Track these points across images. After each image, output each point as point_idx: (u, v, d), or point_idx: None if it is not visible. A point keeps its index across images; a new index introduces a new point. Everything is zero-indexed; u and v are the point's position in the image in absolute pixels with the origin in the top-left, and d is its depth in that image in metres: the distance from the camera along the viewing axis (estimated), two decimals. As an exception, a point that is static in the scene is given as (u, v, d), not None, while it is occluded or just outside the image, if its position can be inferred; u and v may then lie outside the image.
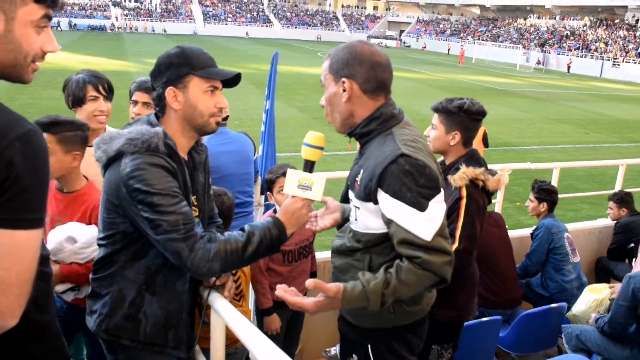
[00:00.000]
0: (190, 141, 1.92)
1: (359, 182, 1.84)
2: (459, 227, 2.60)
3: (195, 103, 1.82)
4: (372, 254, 1.88)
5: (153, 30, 65.47)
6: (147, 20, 67.40)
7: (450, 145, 2.74)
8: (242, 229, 1.80)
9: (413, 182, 1.71)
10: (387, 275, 1.70)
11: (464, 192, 2.64)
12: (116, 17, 65.95)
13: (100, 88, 2.78)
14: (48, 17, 1.24)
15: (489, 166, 2.85)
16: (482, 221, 2.77)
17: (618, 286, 3.34)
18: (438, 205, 1.74)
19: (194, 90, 1.81)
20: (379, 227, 1.83)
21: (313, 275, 3.31)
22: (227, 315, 1.80)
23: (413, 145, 1.78)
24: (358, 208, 1.88)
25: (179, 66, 1.80)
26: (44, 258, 1.44)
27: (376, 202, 1.78)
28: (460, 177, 2.64)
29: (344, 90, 1.84)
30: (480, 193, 2.69)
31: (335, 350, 3.51)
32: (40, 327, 1.44)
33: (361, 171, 1.84)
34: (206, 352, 2.17)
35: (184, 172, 1.84)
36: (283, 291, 1.69)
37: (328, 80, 1.90)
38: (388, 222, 1.75)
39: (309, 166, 1.87)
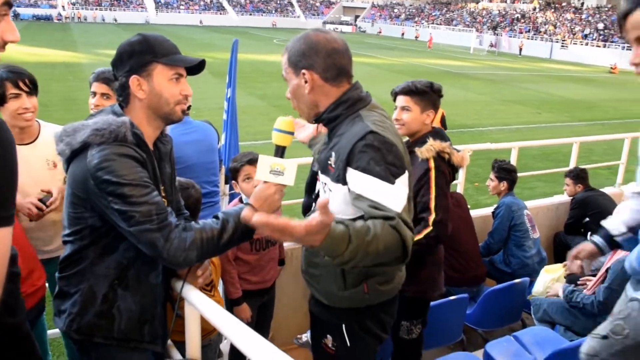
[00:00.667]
0: (156, 131, 1.87)
1: (333, 165, 1.84)
2: (432, 199, 2.66)
3: (160, 91, 1.77)
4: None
5: (103, 20, 63.49)
6: (96, 9, 65.25)
7: (424, 124, 2.83)
8: (216, 217, 1.77)
9: (381, 157, 1.71)
10: (367, 224, 1.57)
11: (431, 164, 2.71)
12: (63, 6, 63.50)
13: (21, 84, 2.54)
14: (8, 5, 1.19)
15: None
16: (449, 192, 2.85)
17: (570, 264, 3.46)
18: (404, 187, 1.74)
19: (158, 78, 1.77)
20: (350, 213, 1.82)
21: (281, 262, 3.31)
22: (202, 306, 1.78)
23: (381, 125, 1.80)
24: (331, 191, 1.88)
25: (142, 54, 1.75)
26: (12, 257, 1.38)
27: (345, 184, 1.77)
28: (428, 149, 2.72)
29: (306, 82, 1.84)
30: (446, 166, 2.77)
31: (306, 336, 3.53)
32: (11, 330, 1.39)
33: (333, 154, 1.84)
34: (178, 345, 2.15)
35: (153, 162, 1.80)
36: (264, 219, 1.31)
37: (289, 73, 1.89)
38: (356, 197, 1.72)
39: (280, 151, 1.87)
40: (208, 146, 3.38)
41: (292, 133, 1.89)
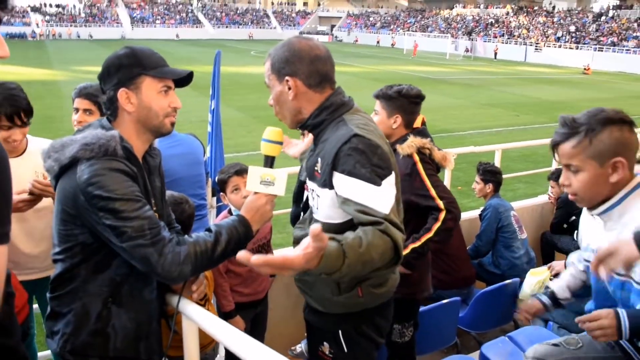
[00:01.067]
0: (145, 144, 1.84)
1: (319, 171, 1.85)
2: (430, 188, 2.71)
3: (149, 104, 1.76)
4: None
5: (78, 36, 62.88)
6: (70, 25, 64.61)
7: (393, 129, 2.87)
8: (209, 230, 1.75)
9: (366, 159, 1.72)
10: (358, 235, 1.59)
11: (416, 157, 2.77)
12: (37, 24, 62.78)
13: (16, 119, 2.41)
14: None
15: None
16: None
17: (555, 264, 3.47)
18: (391, 187, 1.75)
19: (147, 91, 1.75)
20: (339, 217, 1.84)
21: (272, 274, 3.28)
22: (201, 319, 1.75)
23: (365, 128, 1.81)
24: (319, 196, 1.88)
25: (130, 67, 1.74)
26: (7, 277, 1.34)
27: (332, 188, 1.78)
28: (409, 145, 2.79)
29: (289, 89, 1.84)
30: (428, 160, 2.83)
31: (300, 347, 3.50)
32: (8, 353, 1.34)
33: (319, 159, 1.85)
34: (173, 360, 2.12)
35: (143, 175, 1.77)
36: (264, 259, 1.38)
37: (272, 80, 1.89)
38: (343, 202, 1.73)
39: (270, 162, 1.86)
40: (194, 159, 3.35)
41: (280, 143, 1.88)
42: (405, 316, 2.87)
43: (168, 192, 2.21)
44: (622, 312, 1.88)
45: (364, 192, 1.69)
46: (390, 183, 1.75)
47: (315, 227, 1.37)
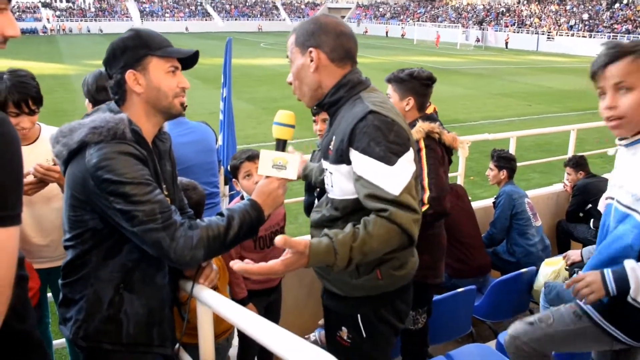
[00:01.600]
0: (155, 127, 1.82)
1: (332, 149, 1.83)
2: (424, 177, 2.69)
3: (158, 84, 1.74)
4: (351, 222, 1.85)
5: (88, 31, 63.18)
6: (81, 20, 64.95)
7: (405, 111, 2.89)
8: (221, 214, 1.73)
9: (382, 136, 1.70)
10: (355, 229, 1.62)
11: (422, 144, 2.77)
12: (47, 19, 63.16)
13: (24, 106, 2.39)
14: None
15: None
16: (446, 170, 2.91)
17: (571, 254, 3.43)
18: (408, 164, 1.73)
19: (155, 72, 1.73)
20: (354, 192, 1.81)
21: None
22: (216, 304, 1.73)
23: (382, 105, 1.79)
24: (332, 173, 1.86)
25: (136, 48, 1.71)
26: (20, 260, 1.32)
27: (349, 163, 1.76)
28: (417, 130, 2.78)
29: (312, 60, 1.84)
30: (437, 144, 2.82)
31: (314, 336, 3.49)
32: (22, 338, 1.32)
33: (333, 137, 1.83)
34: (187, 348, 2.10)
35: (153, 159, 1.75)
36: (243, 267, 1.57)
37: (295, 53, 1.89)
38: (357, 179, 1.72)
39: (282, 145, 1.84)
40: (206, 147, 3.33)
41: (293, 126, 1.86)
42: (418, 302, 2.83)
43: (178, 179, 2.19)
44: (607, 270, 1.94)
45: (375, 171, 1.68)
46: (407, 159, 1.73)
47: (278, 239, 1.48)
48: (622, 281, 1.88)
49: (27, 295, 1.42)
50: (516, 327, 2.32)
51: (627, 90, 1.83)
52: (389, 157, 1.68)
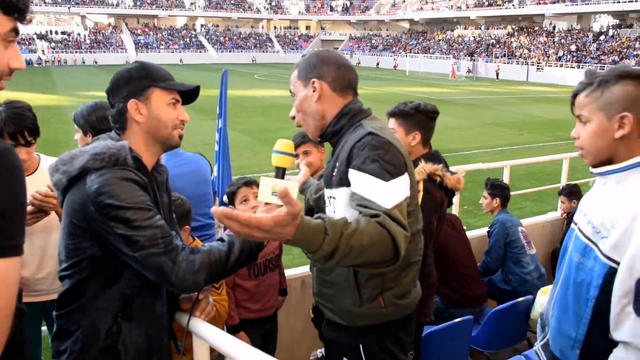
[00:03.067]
0: (154, 157, 1.84)
1: (335, 175, 1.86)
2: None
3: (159, 115, 1.78)
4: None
5: (83, 62, 63.61)
6: (76, 52, 65.43)
7: (411, 147, 2.82)
8: (221, 239, 1.74)
9: (378, 155, 1.72)
10: (347, 220, 1.51)
11: (420, 186, 2.70)
12: (43, 51, 63.63)
13: (19, 138, 2.40)
14: (16, 32, 1.15)
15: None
16: (441, 218, 2.85)
17: None
18: (402, 186, 1.72)
19: (157, 103, 1.78)
20: (352, 215, 1.79)
21: (283, 292, 3.23)
22: (212, 337, 1.71)
23: (381, 129, 1.83)
24: (334, 198, 1.88)
25: (140, 79, 1.76)
26: (18, 293, 1.31)
27: (349, 185, 1.77)
28: (419, 171, 2.72)
29: (314, 90, 1.90)
30: (437, 189, 2.76)
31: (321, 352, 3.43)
32: None
33: (337, 164, 1.87)
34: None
35: (153, 186, 1.77)
36: (228, 212, 1.32)
37: (297, 86, 1.95)
38: (351, 195, 1.71)
39: (281, 173, 1.85)
40: (201, 178, 3.34)
41: (292, 155, 1.88)
42: None
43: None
44: None
45: (367, 186, 1.68)
46: (402, 183, 1.73)
47: (282, 188, 1.33)
48: None
49: (24, 328, 1.39)
50: None
51: (584, 122, 1.87)
52: (384, 174, 1.70)
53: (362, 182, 1.70)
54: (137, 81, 1.76)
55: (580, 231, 1.91)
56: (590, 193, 1.99)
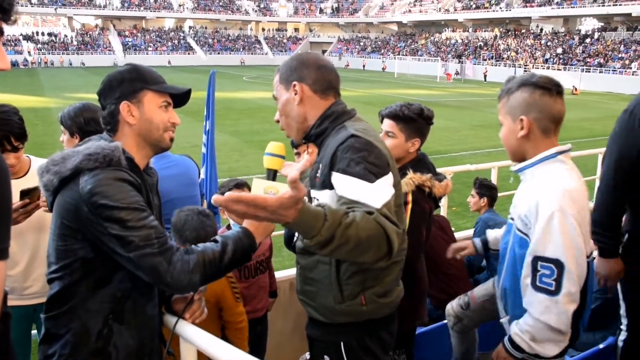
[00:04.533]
0: (144, 160, 1.85)
1: (319, 176, 1.87)
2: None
3: (151, 117, 1.78)
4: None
5: (70, 64, 63.10)
6: (63, 53, 64.90)
7: (409, 152, 2.75)
8: (215, 240, 1.74)
9: (361, 157, 1.73)
10: (347, 210, 1.55)
11: (409, 198, 2.63)
12: (29, 52, 63.04)
13: (6, 144, 2.34)
14: (0, 32, 1.13)
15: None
16: (428, 226, 2.82)
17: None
18: (387, 186, 1.73)
19: (149, 105, 1.78)
20: None
21: (273, 294, 3.22)
22: (199, 341, 1.70)
23: (364, 131, 1.83)
24: (317, 200, 1.88)
25: (133, 81, 1.77)
26: (4, 297, 1.28)
27: (332, 188, 1.78)
28: (407, 182, 2.63)
29: (295, 94, 1.90)
30: (426, 199, 2.70)
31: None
32: None
33: (320, 166, 1.87)
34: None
35: (146, 187, 1.77)
36: (236, 195, 1.35)
37: (280, 90, 1.96)
38: (339, 199, 1.72)
39: (272, 175, 1.86)
40: (188, 180, 3.32)
41: (283, 157, 1.89)
42: (397, 343, 2.78)
43: (191, 207, 2.42)
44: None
45: (356, 189, 1.69)
46: (387, 182, 1.74)
47: (292, 175, 1.36)
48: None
49: (9, 333, 1.37)
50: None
51: (501, 125, 2.19)
52: (369, 176, 1.70)
53: (349, 186, 1.70)
54: (129, 83, 1.77)
55: (515, 225, 2.18)
56: (518, 188, 2.25)
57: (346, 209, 1.61)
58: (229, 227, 2.89)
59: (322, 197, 1.85)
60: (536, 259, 2.03)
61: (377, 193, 1.68)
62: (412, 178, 2.64)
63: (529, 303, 2.09)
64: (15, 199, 2.41)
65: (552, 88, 2.07)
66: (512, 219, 2.23)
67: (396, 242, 1.57)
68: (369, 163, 1.73)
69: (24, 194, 2.23)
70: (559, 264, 1.99)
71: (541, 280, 2.02)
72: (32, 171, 2.59)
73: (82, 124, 2.66)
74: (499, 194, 4.66)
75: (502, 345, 2.28)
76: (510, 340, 2.20)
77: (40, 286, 2.63)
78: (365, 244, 1.51)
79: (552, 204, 1.97)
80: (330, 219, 1.44)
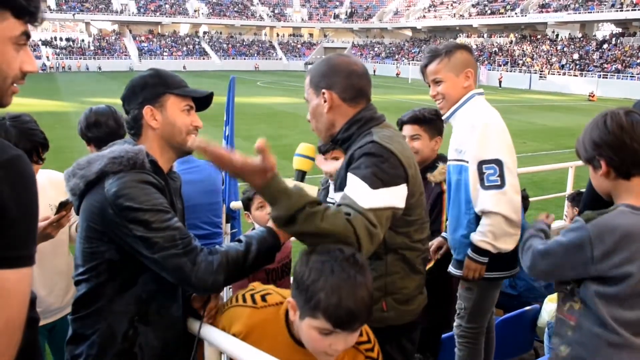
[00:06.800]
0: (168, 163, 1.87)
1: (338, 179, 1.91)
2: (443, 221, 2.72)
3: (174, 120, 1.81)
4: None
5: (87, 69, 63.91)
6: (80, 58, 65.76)
7: (434, 150, 2.99)
8: (239, 240, 1.76)
9: (373, 163, 1.74)
10: (321, 201, 1.61)
11: (444, 187, 2.81)
12: (47, 57, 63.96)
13: (34, 155, 2.31)
14: (27, 35, 1.15)
15: None
16: None
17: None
18: (390, 197, 1.73)
19: (171, 109, 1.81)
20: None
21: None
22: (224, 345, 1.70)
23: (388, 139, 1.83)
24: (334, 200, 1.90)
25: (155, 86, 1.80)
26: (31, 301, 1.31)
27: None
28: (440, 172, 2.86)
29: (325, 101, 1.90)
30: None
31: None
32: None
33: (341, 171, 1.89)
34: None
35: (170, 190, 1.80)
36: (205, 142, 1.51)
37: (310, 94, 1.97)
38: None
39: (301, 176, 1.89)
40: (211, 186, 3.30)
41: (312, 159, 1.92)
42: (427, 346, 2.80)
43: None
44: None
45: (354, 187, 1.71)
46: (391, 193, 1.73)
47: (259, 143, 1.48)
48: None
49: (37, 338, 1.39)
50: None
51: (439, 82, 2.67)
52: (374, 180, 1.71)
53: (350, 183, 1.73)
54: (152, 88, 1.80)
55: (451, 161, 2.67)
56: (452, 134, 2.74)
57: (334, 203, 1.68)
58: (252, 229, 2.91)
59: (337, 198, 1.86)
60: (480, 164, 2.48)
61: (371, 197, 1.69)
62: (444, 168, 2.84)
63: (482, 203, 2.48)
64: (44, 209, 2.43)
65: (471, 49, 2.81)
66: (451, 159, 2.69)
67: (367, 243, 1.62)
68: (380, 170, 1.74)
69: (62, 205, 2.23)
70: (499, 162, 2.47)
71: (488, 180, 2.46)
72: (40, 185, 2.58)
73: (84, 128, 2.71)
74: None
75: (467, 258, 2.55)
76: (474, 248, 2.51)
77: (55, 303, 2.64)
78: (325, 237, 1.56)
79: (482, 118, 2.55)
80: (294, 200, 1.52)
